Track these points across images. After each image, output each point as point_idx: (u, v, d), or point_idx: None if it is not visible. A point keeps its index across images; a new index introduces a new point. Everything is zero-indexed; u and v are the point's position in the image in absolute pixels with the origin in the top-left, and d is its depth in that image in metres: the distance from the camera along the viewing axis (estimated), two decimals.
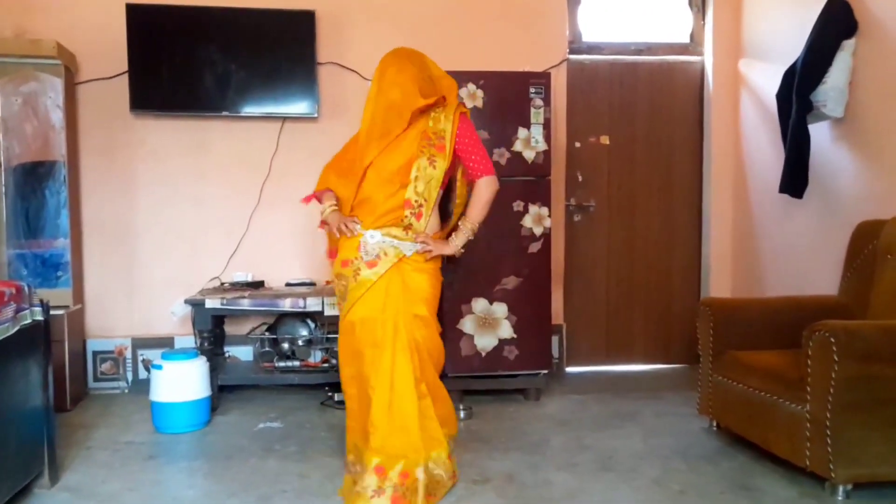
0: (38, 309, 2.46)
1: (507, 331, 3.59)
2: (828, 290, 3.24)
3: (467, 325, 3.56)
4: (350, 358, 2.52)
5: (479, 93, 3.63)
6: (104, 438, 3.08)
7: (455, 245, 2.56)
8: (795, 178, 3.42)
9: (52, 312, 2.58)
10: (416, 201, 2.48)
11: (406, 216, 2.47)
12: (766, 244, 3.99)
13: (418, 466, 2.32)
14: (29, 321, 2.40)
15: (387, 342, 2.40)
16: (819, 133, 3.38)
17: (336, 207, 2.63)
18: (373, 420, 2.36)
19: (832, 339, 2.35)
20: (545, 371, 3.71)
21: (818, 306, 2.95)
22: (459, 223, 2.59)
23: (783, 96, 3.45)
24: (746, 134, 4.19)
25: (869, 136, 3.18)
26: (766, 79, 3.90)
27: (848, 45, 3.20)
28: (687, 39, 4.41)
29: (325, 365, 3.70)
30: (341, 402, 3.55)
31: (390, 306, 2.42)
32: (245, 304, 3.49)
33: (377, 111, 2.53)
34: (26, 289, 2.42)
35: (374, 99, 2.56)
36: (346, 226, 2.50)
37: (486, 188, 2.54)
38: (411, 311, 2.44)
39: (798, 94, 3.29)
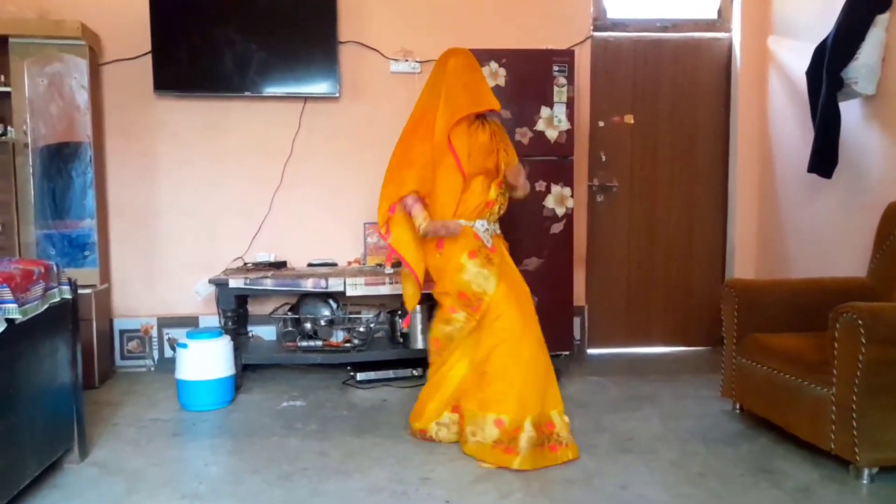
0: (66, 287, 2.51)
1: None
2: (855, 272, 3.18)
3: None
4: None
5: (502, 71, 3.59)
6: (131, 415, 3.15)
7: None
8: (824, 158, 3.34)
9: (79, 291, 2.63)
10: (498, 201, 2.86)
11: (494, 211, 2.84)
12: (793, 225, 3.92)
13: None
14: (58, 299, 2.45)
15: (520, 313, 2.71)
16: (849, 111, 3.30)
17: (427, 216, 2.77)
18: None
19: (859, 322, 2.31)
20: (566, 353, 3.71)
21: (845, 288, 2.90)
22: None
23: (813, 74, 3.37)
24: (774, 113, 4.10)
25: None
26: (795, 56, 3.80)
27: (881, 21, 3.10)
28: (714, 16, 4.31)
29: (347, 345, 3.73)
30: (362, 382, 3.59)
31: (514, 282, 2.78)
32: (268, 284, 3.52)
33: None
34: (54, 268, 2.46)
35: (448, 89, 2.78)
36: (449, 228, 2.74)
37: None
38: (522, 284, 2.83)
39: (828, 71, 3.20)
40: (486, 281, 2.70)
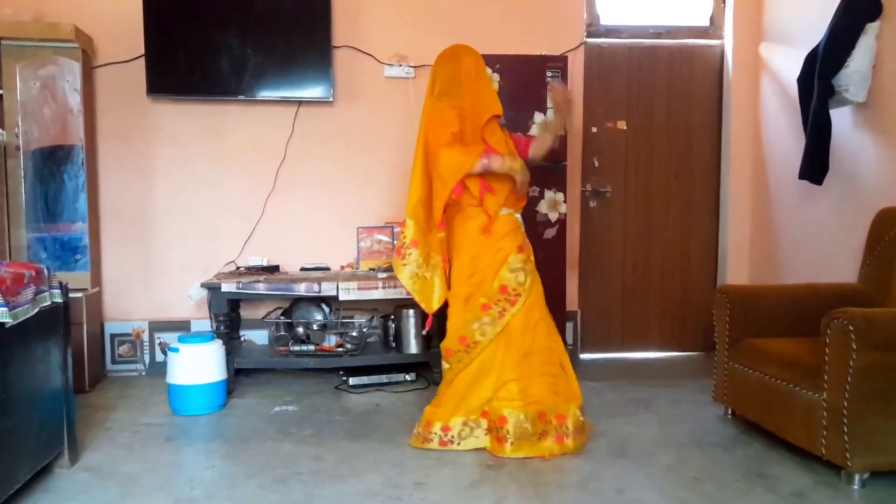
0: (57, 291, 2.49)
1: None
2: (847, 277, 3.21)
3: None
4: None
5: (496, 76, 3.61)
6: (123, 420, 3.12)
7: None
8: (816, 165, 3.37)
9: (70, 295, 2.61)
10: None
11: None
12: (785, 231, 3.94)
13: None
14: (48, 303, 2.43)
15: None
16: (841, 118, 3.33)
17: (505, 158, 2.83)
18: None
19: (851, 327, 2.32)
20: None
21: (837, 294, 2.91)
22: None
23: (804, 81, 3.40)
24: (766, 119, 4.13)
25: (892, 122, 3.12)
26: (787, 63, 3.83)
27: (872, 28, 3.13)
28: (707, 23, 4.35)
29: (340, 349, 3.72)
30: (355, 387, 3.58)
31: (537, 284, 2.85)
32: (260, 288, 3.50)
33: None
34: (45, 271, 2.45)
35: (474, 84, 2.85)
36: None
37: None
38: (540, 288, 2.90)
39: (820, 78, 3.24)
40: (527, 277, 2.78)
